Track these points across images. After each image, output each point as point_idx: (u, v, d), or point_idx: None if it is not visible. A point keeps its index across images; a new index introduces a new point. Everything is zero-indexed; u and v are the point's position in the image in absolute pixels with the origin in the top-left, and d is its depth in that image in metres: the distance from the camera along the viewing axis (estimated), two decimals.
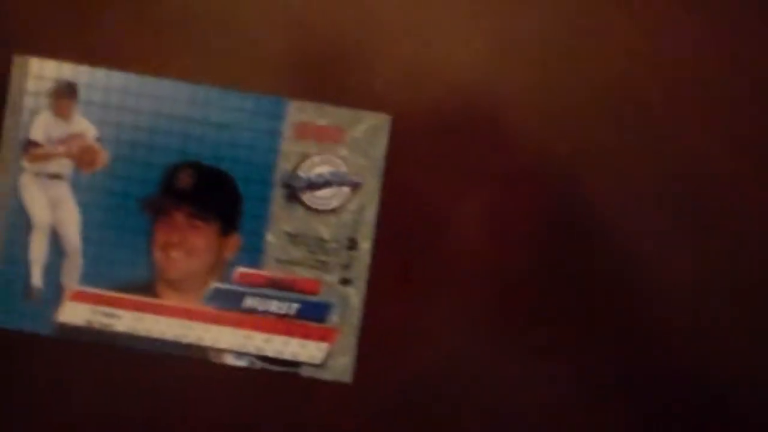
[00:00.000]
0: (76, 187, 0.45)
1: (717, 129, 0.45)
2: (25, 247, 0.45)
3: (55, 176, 0.45)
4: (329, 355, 0.45)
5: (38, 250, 0.45)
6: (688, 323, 0.45)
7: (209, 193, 0.44)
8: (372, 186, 0.45)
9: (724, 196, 0.45)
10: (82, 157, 0.45)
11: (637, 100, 0.44)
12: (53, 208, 0.45)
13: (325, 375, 0.45)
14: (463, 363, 0.45)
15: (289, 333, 0.45)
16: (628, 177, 0.44)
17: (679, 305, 0.45)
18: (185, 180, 0.44)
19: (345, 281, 0.45)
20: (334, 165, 0.45)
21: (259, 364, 0.45)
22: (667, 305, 0.44)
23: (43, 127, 0.45)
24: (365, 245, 0.45)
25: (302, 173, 0.45)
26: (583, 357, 0.45)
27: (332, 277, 0.45)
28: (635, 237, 0.44)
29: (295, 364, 0.45)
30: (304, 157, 0.45)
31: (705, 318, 0.45)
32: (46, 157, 0.45)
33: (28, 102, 0.45)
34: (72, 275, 0.45)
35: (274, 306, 0.45)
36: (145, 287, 0.45)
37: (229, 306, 0.45)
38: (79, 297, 0.45)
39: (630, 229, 0.44)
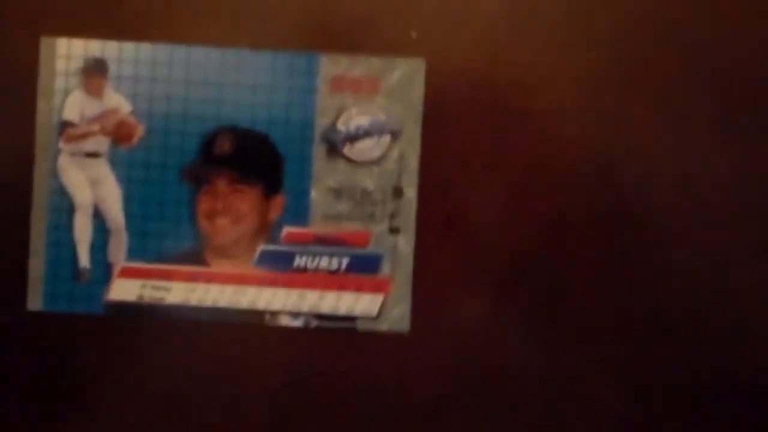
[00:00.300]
0: (115, 163, 0.45)
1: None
2: (69, 229, 0.45)
3: (93, 154, 0.45)
4: (384, 306, 0.45)
5: (83, 231, 0.45)
6: (718, 311, 0.44)
7: (249, 157, 0.44)
8: (412, 132, 0.44)
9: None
10: (118, 133, 0.45)
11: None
12: (94, 186, 0.45)
13: (382, 326, 0.45)
14: (517, 301, 0.45)
15: (342, 288, 0.45)
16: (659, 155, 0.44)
17: (710, 293, 0.44)
18: (224, 146, 0.44)
19: (393, 230, 0.44)
20: (372, 115, 0.44)
21: (314, 323, 0.45)
22: (698, 293, 0.44)
23: (76, 106, 0.45)
24: (410, 193, 0.45)
25: (341, 126, 0.44)
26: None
27: (380, 228, 0.44)
28: (668, 223, 0.44)
29: (350, 318, 0.45)
30: (342, 110, 0.44)
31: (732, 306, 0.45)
32: (82, 136, 0.45)
33: (59, 83, 0.45)
34: (119, 252, 0.45)
35: (325, 262, 0.44)
36: (193, 257, 0.45)
37: (279, 267, 0.44)
38: (128, 273, 0.45)
39: (665, 215, 0.44)
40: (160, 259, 0.45)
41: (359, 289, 0.45)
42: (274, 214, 0.45)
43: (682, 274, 0.45)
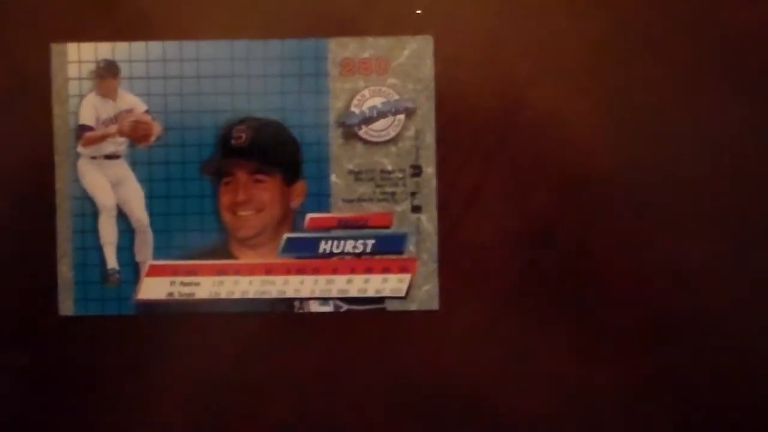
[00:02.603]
0: (134, 163, 0.45)
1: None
2: (95, 232, 0.45)
3: (112, 156, 0.45)
4: (412, 286, 0.45)
5: (108, 233, 0.45)
6: (724, 316, 0.44)
7: (266, 146, 0.44)
8: (426, 109, 0.44)
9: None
10: (135, 133, 0.45)
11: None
12: (115, 188, 0.45)
13: (412, 306, 0.45)
14: (542, 271, 0.45)
15: (369, 270, 0.45)
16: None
17: (719, 299, 0.44)
18: (240, 137, 0.44)
19: (416, 209, 0.45)
20: (385, 95, 0.44)
21: (344, 307, 0.45)
22: (704, 297, 0.44)
23: (91, 109, 0.45)
24: (429, 170, 0.45)
25: (355, 109, 0.44)
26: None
27: (402, 207, 0.45)
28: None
29: (379, 300, 0.45)
30: (354, 92, 0.45)
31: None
32: (100, 139, 0.45)
33: (73, 88, 0.45)
34: (145, 251, 0.45)
35: (350, 246, 0.45)
36: (219, 250, 0.45)
37: (305, 254, 0.45)
38: (156, 271, 0.45)
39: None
40: (187, 255, 0.45)
41: (386, 270, 0.45)
42: (296, 201, 0.45)
43: (702, 230, 0.45)
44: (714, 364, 0.45)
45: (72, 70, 0.45)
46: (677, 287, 0.45)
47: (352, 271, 0.45)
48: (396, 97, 0.44)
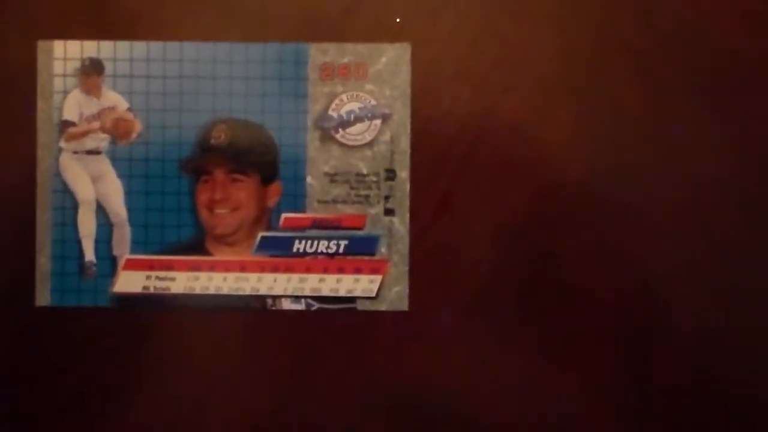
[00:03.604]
0: (115, 159, 0.46)
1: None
2: (74, 225, 0.46)
3: (94, 152, 0.46)
4: (383, 286, 0.46)
5: (87, 226, 0.46)
6: (690, 318, 0.45)
7: (245, 147, 0.45)
8: (402, 115, 0.46)
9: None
10: (117, 130, 0.46)
11: None
12: (95, 182, 0.46)
13: (382, 306, 0.46)
14: (512, 274, 0.46)
15: (341, 270, 0.46)
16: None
17: (685, 301, 0.45)
18: (220, 137, 0.45)
19: (388, 211, 0.46)
20: (362, 100, 0.46)
21: (315, 305, 0.46)
22: (670, 300, 0.45)
23: (75, 106, 0.46)
24: (403, 174, 0.46)
25: (333, 113, 0.46)
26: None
27: (376, 210, 0.46)
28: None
29: (350, 299, 0.46)
30: (333, 96, 0.46)
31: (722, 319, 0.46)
32: (83, 135, 0.46)
33: (58, 84, 0.46)
34: (123, 245, 0.46)
35: (323, 246, 0.46)
36: (195, 246, 0.46)
37: (279, 252, 0.46)
38: (133, 265, 0.46)
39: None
40: (164, 251, 0.46)
41: (358, 270, 0.46)
42: (272, 201, 0.46)
43: (668, 237, 0.46)
44: (681, 364, 0.46)
45: (57, 67, 0.46)
46: (644, 291, 0.46)
47: (325, 270, 0.46)
48: (373, 102, 0.46)
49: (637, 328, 0.46)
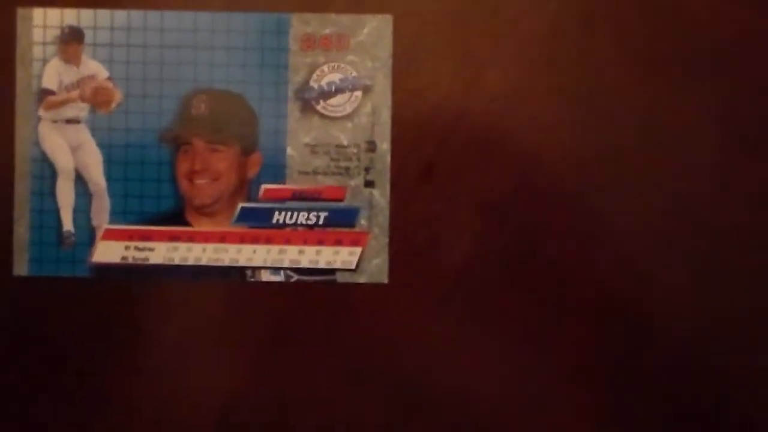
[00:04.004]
0: (95, 128, 0.46)
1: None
2: (52, 194, 0.46)
3: (73, 120, 0.46)
4: (363, 259, 0.46)
5: (66, 196, 0.46)
6: (672, 299, 0.45)
7: (225, 117, 0.45)
8: (383, 87, 0.45)
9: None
10: (97, 99, 0.46)
11: None
12: (75, 152, 0.46)
13: (361, 278, 0.46)
14: (493, 249, 0.46)
15: (321, 242, 0.46)
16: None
17: (667, 282, 0.45)
18: (200, 107, 0.45)
19: (369, 183, 0.45)
20: (344, 71, 0.45)
21: (295, 277, 0.46)
22: (653, 280, 0.45)
23: (54, 74, 0.46)
24: (384, 146, 0.45)
25: (314, 84, 0.45)
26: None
27: (356, 182, 0.45)
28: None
29: (330, 271, 0.46)
30: (314, 67, 0.45)
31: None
32: (62, 103, 0.46)
33: (37, 52, 0.46)
34: (101, 215, 0.46)
35: (303, 217, 0.45)
36: (174, 217, 0.46)
37: (259, 224, 0.45)
38: (112, 235, 0.46)
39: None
40: (143, 221, 0.46)
41: (338, 243, 0.46)
42: (252, 172, 0.46)
43: (651, 212, 0.46)
44: (662, 346, 0.46)
45: (37, 35, 0.46)
46: (626, 269, 0.46)
47: (305, 242, 0.46)
48: (354, 73, 0.45)
49: (620, 303, 0.46)
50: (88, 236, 0.46)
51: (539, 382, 0.46)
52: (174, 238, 0.45)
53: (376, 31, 0.45)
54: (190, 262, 0.45)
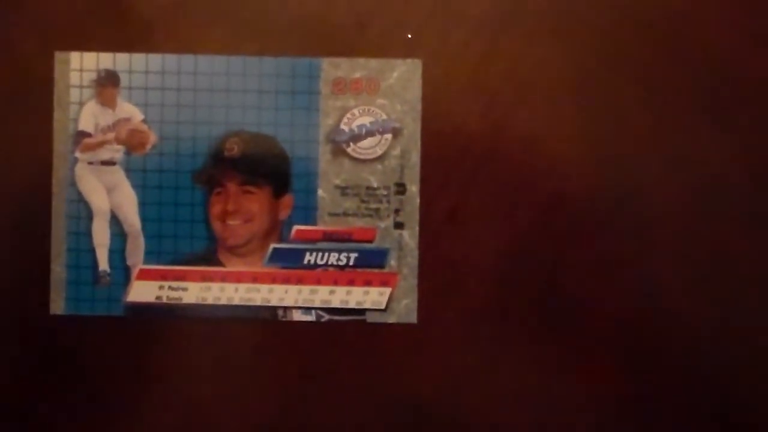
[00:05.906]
0: (130, 170, 0.47)
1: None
2: (88, 234, 0.47)
3: (108, 162, 0.47)
4: (392, 299, 0.46)
5: (101, 236, 0.47)
6: (696, 333, 0.46)
7: (257, 159, 0.46)
8: (412, 130, 0.46)
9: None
10: (132, 141, 0.47)
11: None
12: (110, 193, 0.47)
13: (391, 318, 0.46)
14: (517, 287, 0.46)
15: (351, 282, 0.46)
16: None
17: (690, 316, 0.46)
18: (233, 149, 0.46)
19: (398, 225, 0.46)
20: (374, 114, 0.46)
21: (326, 317, 0.46)
22: (676, 315, 0.46)
23: (90, 117, 0.47)
24: (413, 188, 0.46)
25: (344, 127, 0.46)
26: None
27: (385, 223, 0.46)
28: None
29: (360, 311, 0.46)
30: (344, 111, 0.46)
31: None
32: (98, 146, 0.47)
33: (74, 95, 0.47)
34: (136, 255, 0.47)
35: (334, 258, 0.46)
36: (207, 257, 0.46)
37: (290, 264, 0.46)
38: (146, 275, 0.46)
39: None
40: (176, 261, 0.47)
41: (368, 283, 0.46)
42: (284, 213, 0.46)
43: (673, 249, 0.46)
44: (685, 378, 0.46)
45: (74, 78, 0.47)
46: (650, 302, 0.46)
47: (335, 282, 0.46)
48: (384, 116, 0.46)
49: (643, 340, 0.46)
50: (123, 276, 0.47)
51: (566, 415, 0.47)
52: (207, 278, 0.46)
53: (405, 74, 0.46)
54: (223, 301, 0.46)
